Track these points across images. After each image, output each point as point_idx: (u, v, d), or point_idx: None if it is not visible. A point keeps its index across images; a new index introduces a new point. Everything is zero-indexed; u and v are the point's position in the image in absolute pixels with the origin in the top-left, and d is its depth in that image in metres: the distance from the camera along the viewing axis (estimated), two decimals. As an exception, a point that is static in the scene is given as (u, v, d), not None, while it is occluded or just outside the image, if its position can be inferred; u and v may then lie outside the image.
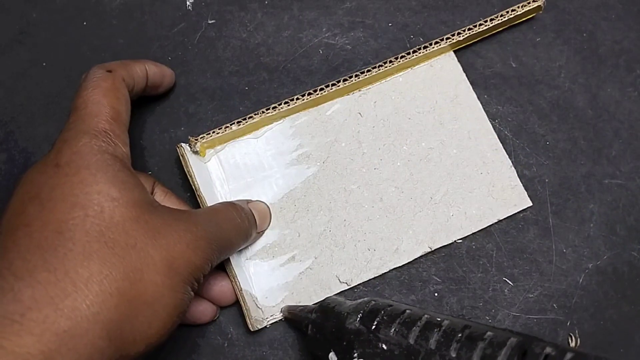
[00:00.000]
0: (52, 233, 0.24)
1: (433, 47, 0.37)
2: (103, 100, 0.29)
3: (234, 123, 0.36)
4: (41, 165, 0.27)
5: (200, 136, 0.35)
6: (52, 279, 0.23)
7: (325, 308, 0.31)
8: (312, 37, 0.39)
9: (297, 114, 0.37)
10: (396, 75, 0.38)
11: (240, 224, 0.32)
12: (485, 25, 0.37)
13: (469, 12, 0.39)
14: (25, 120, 0.38)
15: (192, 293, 0.28)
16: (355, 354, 0.27)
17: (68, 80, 0.38)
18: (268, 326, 0.34)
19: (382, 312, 0.28)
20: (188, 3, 0.40)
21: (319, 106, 0.37)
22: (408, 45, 0.39)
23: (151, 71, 0.35)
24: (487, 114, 0.37)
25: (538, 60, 0.39)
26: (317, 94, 0.36)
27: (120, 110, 0.30)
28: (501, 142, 0.37)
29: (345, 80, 0.36)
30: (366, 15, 0.40)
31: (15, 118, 0.38)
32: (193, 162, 0.34)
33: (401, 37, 0.39)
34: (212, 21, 0.40)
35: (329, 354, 0.29)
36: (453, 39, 0.37)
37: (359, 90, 0.38)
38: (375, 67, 0.37)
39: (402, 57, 0.37)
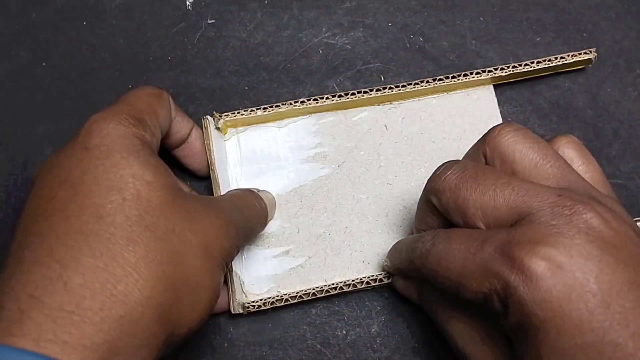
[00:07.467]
0: (92, 217, 0.23)
1: (473, 77, 0.36)
2: (144, 97, 0.29)
3: (259, 108, 0.36)
4: (68, 149, 0.26)
5: (225, 114, 0.35)
6: (99, 264, 0.22)
7: None
8: (312, 37, 0.39)
9: (324, 113, 0.37)
10: (430, 96, 0.37)
11: (260, 211, 0.32)
12: (531, 67, 0.36)
13: (469, 11, 0.39)
14: (25, 120, 0.38)
15: (222, 278, 0.28)
16: None
17: (68, 80, 0.38)
18: (251, 310, 0.33)
19: None
20: (188, 3, 0.40)
21: (346, 110, 0.37)
22: (408, 45, 0.39)
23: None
24: (487, 114, 0.37)
25: (538, 60, 0.39)
26: (348, 98, 0.36)
27: (158, 111, 0.30)
28: (501, 142, 0.37)
29: (378, 90, 0.36)
30: (366, 15, 0.40)
31: (15, 118, 0.38)
32: (214, 137, 0.34)
33: (401, 37, 0.39)
34: (212, 21, 0.40)
35: None
36: (495, 73, 0.36)
37: (390, 103, 0.37)
38: (410, 84, 0.36)
39: (439, 79, 0.36)
